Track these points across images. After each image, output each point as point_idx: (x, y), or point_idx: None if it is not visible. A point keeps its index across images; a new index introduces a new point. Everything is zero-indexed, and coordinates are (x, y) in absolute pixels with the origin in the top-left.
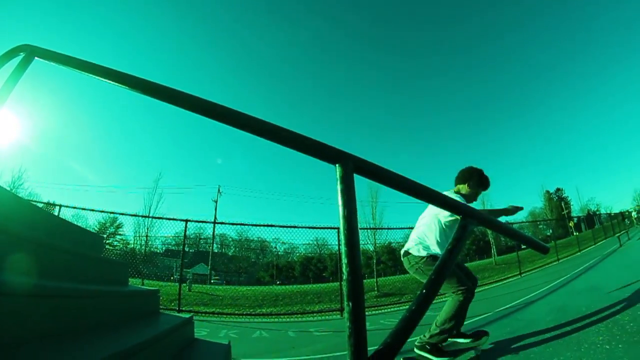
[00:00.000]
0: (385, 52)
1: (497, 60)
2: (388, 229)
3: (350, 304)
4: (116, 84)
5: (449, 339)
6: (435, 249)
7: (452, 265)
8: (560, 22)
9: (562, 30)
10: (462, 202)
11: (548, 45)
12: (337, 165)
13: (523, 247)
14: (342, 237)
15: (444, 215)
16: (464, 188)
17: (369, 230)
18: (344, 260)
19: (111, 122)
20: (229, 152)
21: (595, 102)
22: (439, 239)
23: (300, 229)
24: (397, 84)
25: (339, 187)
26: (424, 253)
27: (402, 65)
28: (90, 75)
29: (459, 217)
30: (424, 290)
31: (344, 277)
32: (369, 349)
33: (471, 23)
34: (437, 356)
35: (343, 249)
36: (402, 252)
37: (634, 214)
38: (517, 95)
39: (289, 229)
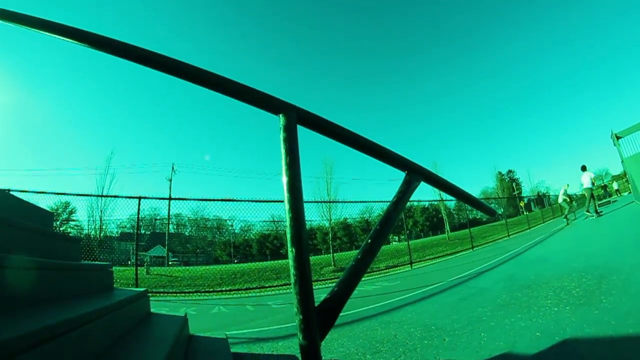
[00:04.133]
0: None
1: (452, 37)
2: (343, 202)
3: (294, 249)
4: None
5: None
6: (589, 186)
7: (396, 217)
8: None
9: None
10: (590, 177)
11: (505, 26)
12: (280, 115)
13: (476, 220)
14: (285, 183)
15: (590, 179)
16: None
17: (324, 207)
18: (286, 207)
19: (53, 95)
20: (184, 130)
21: (550, 90)
22: (590, 183)
23: (256, 203)
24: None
25: (281, 136)
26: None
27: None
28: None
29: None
30: (369, 240)
31: (287, 222)
32: None
33: None
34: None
35: (286, 195)
36: (584, 188)
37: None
38: (478, 78)
39: (246, 205)
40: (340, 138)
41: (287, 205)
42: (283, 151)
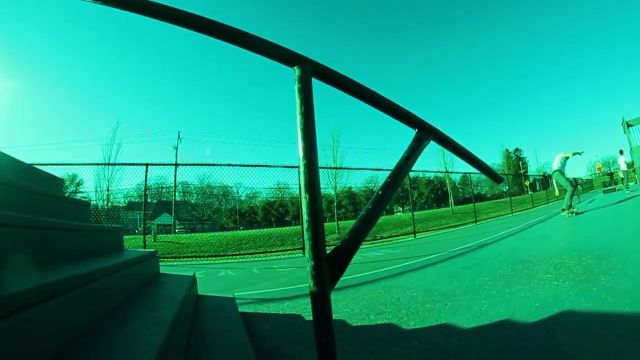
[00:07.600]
0: None
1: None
2: (349, 169)
3: (307, 195)
4: None
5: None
6: (559, 167)
7: (407, 172)
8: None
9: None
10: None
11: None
12: (295, 67)
13: (480, 195)
14: (299, 132)
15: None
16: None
17: (329, 174)
18: (300, 154)
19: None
20: (191, 95)
21: (563, 70)
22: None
23: (261, 168)
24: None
25: (296, 87)
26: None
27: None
28: None
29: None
30: (380, 192)
31: (301, 169)
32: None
33: None
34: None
35: (300, 143)
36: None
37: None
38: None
39: (251, 171)
40: (354, 92)
41: (301, 153)
42: (298, 101)
